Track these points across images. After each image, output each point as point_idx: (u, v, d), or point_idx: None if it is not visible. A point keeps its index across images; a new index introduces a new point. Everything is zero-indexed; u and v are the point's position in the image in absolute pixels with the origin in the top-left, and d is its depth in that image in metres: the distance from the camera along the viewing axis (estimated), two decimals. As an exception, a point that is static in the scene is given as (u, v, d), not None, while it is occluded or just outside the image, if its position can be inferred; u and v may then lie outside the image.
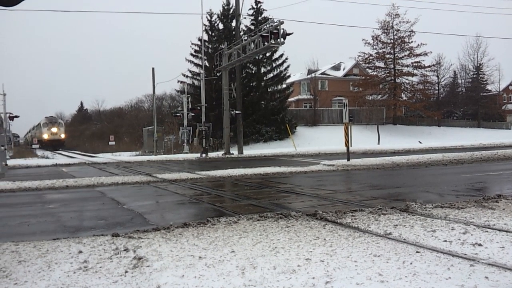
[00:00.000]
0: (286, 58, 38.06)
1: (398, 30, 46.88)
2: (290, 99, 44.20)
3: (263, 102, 37.02)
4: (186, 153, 29.80)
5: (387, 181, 12.05)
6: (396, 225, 5.61)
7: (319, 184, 11.18)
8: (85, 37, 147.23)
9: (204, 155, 25.11)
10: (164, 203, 8.86)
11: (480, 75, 58.30)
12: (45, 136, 52.10)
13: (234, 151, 26.72)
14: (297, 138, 35.53)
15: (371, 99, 46.79)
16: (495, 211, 6.42)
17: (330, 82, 56.26)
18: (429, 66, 49.12)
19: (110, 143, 36.67)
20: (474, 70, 58.60)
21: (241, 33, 28.55)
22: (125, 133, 54.89)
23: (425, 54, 46.70)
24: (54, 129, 53.12)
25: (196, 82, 37.83)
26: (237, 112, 26.22)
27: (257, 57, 34.28)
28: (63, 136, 54.39)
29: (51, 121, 54.69)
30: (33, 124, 66.47)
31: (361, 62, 52.11)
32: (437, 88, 55.17)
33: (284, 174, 13.80)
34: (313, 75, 50.09)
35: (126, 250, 4.73)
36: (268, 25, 20.85)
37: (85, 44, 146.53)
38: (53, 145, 50.80)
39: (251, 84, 37.86)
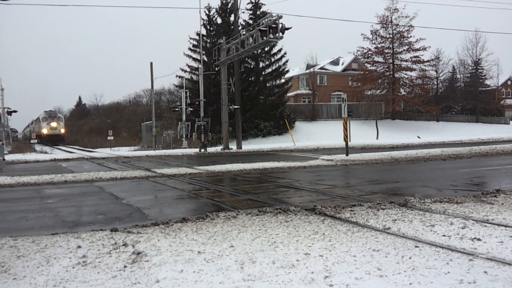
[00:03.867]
0: (285, 53, 38.00)
1: (397, 25, 46.77)
2: (288, 94, 44.13)
3: (261, 97, 36.96)
4: (185, 148, 29.79)
5: (386, 176, 12.06)
6: (395, 220, 5.61)
7: (318, 179, 11.18)
8: (83, 32, 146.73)
9: (202, 150, 25.10)
10: (163, 198, 8.85)
11: (479, 70, 58.28)
12: (45, 131, 51.33)
13: (233, 146, 26.71)
14: (295, 133, 35.53)
15: (369, 94, 46.74)
16: (494, 205, 6.43)
17: (329, 77, 56.18)
18: (428, 61, 49.05)
19: (109, 138, 36.57)
20: (473, 65, 58.57)
21: (240, 28, 28.45)
22: (123, 128, 54.71)
23: (424, 49, 46.63)
24: (54, 124, 52.20)
25: (194, 77, 37.74)
26: (235, 107, 26.18)
27: (255, 52, 34.17)
28: (63, 131, 53.27)
29: (51, 116, 53.58)
30: (32, 118, 65.96)
31: (360, 57, 52.01)
32: (435, 83, 55.10)
33: (283, 169, 13.80)
34: (311, 69, 49.98)
35: (125, 245, 4.72)
36: (266, 20, 20.77)
37: (84, 39, 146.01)
38: (53, 140, 49.95)
39: (250, 79, 37.77)
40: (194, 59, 38.30)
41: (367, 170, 13.29)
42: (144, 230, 5.49)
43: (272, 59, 38.09)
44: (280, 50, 37.86)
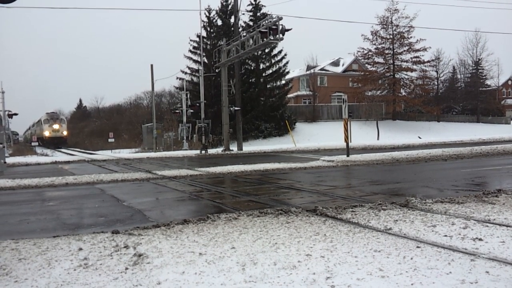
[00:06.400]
0: (285, 54, 38.07)
1: (397, 26, 46.83)
2: (289, 95, 44.17)
3: (262, 99, 36.99)
4: (186, 149, 29.81)
5: (387, 176, 12.05)
6: (396, 220, 5.60)
7: (319, 180, 11.18)
8: (83, 34, 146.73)
9: (203, 151, 25.11)
10: (164, 200, 8.85)
11: (479, 70, 58.29)
12: (46, 133, 50.11)
13: (234, 148, 26.71)
14: (296, 134, 35.53)
15: (370, 94, 46.76)
16: (495, 205, 6.42)
17: (329, 78, 56.21)
18: (428, 61, 49.09)
19: (110, 140, 36.60)
20: (473, 65, 58.59)
21: (240, 29, 28.47)
22: (124, 130, 54.80)
23: (424, 49, 46.68)
24: (56, 126, 50.70)
25: (195, 79, 37.80)
26: (236, 108, 26.19)
27: (256, 53, 34.25)
28: (65, 133, 51.80)
29: (53, 117, 52.01)
30: (33, 121, 65.56)
31: (360, 58, 52.05)
32: (436, 83, 55.14)
33: (283, 170, 13.79)
34: (312, 71, 50.07)
35: (126, 247, 4.72)
36: (267, 21, 20.80)
37: (84, 41, 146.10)
38: (55, 143, 48.33)
39: (250, 80, 37.81)
40: (195, 61, 38.39)
41: (368, 171, 13.28)
42: (145, 232, 5.49)
43: (273, 61, 38.15)
44: (280, 52, 37.95)
